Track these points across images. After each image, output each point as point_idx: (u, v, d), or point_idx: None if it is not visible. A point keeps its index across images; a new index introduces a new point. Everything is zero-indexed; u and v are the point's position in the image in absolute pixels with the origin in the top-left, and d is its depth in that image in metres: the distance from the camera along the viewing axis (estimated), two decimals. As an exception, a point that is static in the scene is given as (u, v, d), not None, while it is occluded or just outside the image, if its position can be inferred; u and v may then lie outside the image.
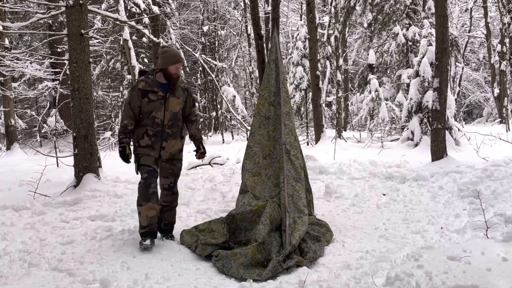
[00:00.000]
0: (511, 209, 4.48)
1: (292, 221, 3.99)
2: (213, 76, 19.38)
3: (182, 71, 20.55)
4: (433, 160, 7.34)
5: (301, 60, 16.50)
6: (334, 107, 18.27)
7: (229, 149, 11.55)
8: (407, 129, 11.81)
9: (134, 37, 17.02)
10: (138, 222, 4.21)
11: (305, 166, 4.94)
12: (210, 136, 20.49)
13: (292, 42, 19.74)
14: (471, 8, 24.20)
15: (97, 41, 15.77)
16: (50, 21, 16.38)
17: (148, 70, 4.39)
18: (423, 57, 11.45)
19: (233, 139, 19.13)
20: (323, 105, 15.12)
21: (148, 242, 4.03)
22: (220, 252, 3.75)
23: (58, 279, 3.40)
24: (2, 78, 13.92)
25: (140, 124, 4.25)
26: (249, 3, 10.57)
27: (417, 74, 11.61)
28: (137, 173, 4.29)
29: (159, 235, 4.42)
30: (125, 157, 4.20)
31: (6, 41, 13.08)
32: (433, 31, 9.92)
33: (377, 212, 5.08)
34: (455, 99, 18.23)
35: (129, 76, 17.49)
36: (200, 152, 4.53)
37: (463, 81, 26.07)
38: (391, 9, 15.73)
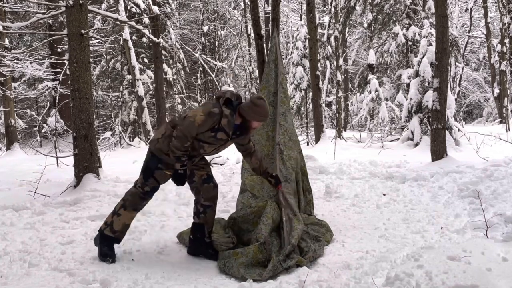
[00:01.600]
0: (511, 209, 4.48)
1: (288, 218, 3.99)
2: (213, 76, 19.39)
3: (182, 72, 20.58)
4: (433, 160, 7.34)
5: (301, 60, 16.49)
6: (334, 107, 18.27)
7: (229, 149, 11.53)
8: (407, 129, 11.81)
9: (134, 37, 17.02)
10: (108, 219, 3.80)
11: (305, 166, 4.94)
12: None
13: (292, 42, 19.73)
14: (471, 8, 24.19)
15: (97, 41, 15.77)
16: (50, 21, 16.39)
17: (237, 96, 3.75)
18: (423, 57, 11.45)
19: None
20: (323, 105, 15.12)
21: (112, 255, 3.73)
22: (224, 252, 3.75)
23: (58, 279, 3.40)
24: (2, 78, 13.91)
25: None
26: (249, 3, 10.57)
27: (417, 74, 11.61)
28: (141, 174, 3.78)
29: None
30: (183, 181, 3.71)
31: (6, 41, 13.07)
32: (433, 31, 9.92)
33: (377, 212, 5.08)
34: (455, 99, 18.23)
35: (129, 76, 17.49)
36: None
37: (463, 81, 26.07)
38: (391, 9, 15.74)
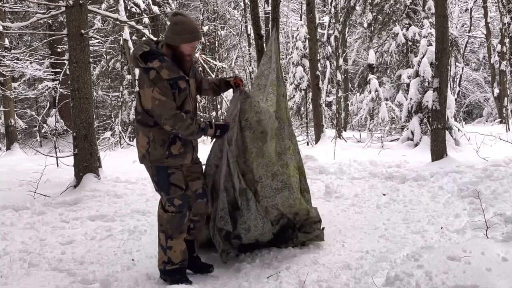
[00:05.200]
0: (511, 209, 4.48)
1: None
2: (213, 76, 19.39)
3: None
4: (433, 160, 7.34)
5: (301, 60, 16.50)
6: (334, 107, 18.26)
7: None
8: (407, 129, 11.80)
9: (134, 37, 17.01)
10: (163, 257, 3.33)
11: (303, 166, 4.76)
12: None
13: (292, 42, 19.72)
14: (471, 8, 24.19)
15: (97, 41, 15.76)
16: (50, 21, 16.38)
17: (147, 42, 3.28)
18: (423, 57, 11.44)
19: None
20: (323, 105, 15.12)
21: (186, 279, 3.34)
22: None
23: (58, 279, 3.41)
24: (2, 78, 13.92)
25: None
26: (249, 3, 10.57)
27: (417, 74, 11.60)
28: (161, 193, 3.31)
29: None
30: (227, 128, 3.34)
31: (6, 41, 13.07)
32: (433, 31, 9.91)
33: (377, 212, 5.08)
34: (455, 99, 18.24)
35: (129, 76, 17.49)
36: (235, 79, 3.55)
37: (463, 81, 26.07)
38: (391, 9, 15.73)
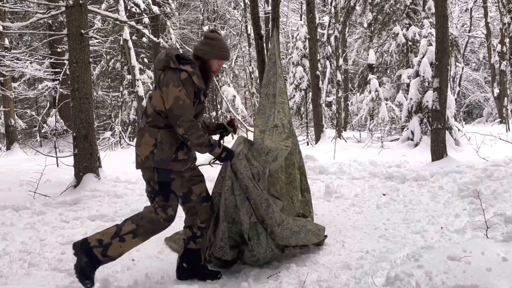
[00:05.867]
0: (511, 209, 4.48)
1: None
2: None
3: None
4: (433, 160, 7.34)
5: (301, 60, 16.50)
6: (334, 107, 18.27)
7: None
8: (407, 129, 11.80)
9: (134, 37, 17.04)
10: (105, 238, 3.10)
11: (303, 166, 4.81)
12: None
13: (292, 42, 19.73)
14: (471, 8, 24.20)
15: (97, 41, 15.78)
16: (50, 21, 16.39)
17: (184, 55, 3.21)
18: (423, 57, 11.44)
19: (233, 139, 19.12)
20: (323, 105, 15.12)
21: (93, 278, 3.10)
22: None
23: (58, 279, 3.41)
24: (2, 78, 13.92)
25: (174, 130, 3.12)
26: (249, 3, 10.57)
27: (417, 74, 11.60)
28: (156, 198, 3.17)
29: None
30: (231, 155, 3.31)
31: (6, 41, 13.08)
32: (433, 31, 9.91)
33: (377, 212, 5.08)
34: (455, 99, 18.23)
35: (129, 76, 17.50)
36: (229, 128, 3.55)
37: (463, 81, 26.07)
38: (391, 9, 15.74)
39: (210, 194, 3.50)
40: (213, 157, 3.29)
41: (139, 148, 3.18)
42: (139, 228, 3.13)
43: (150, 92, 3.19)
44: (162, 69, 3.17)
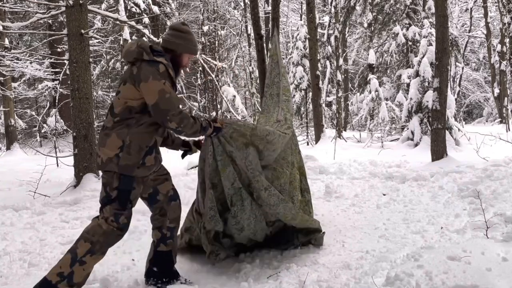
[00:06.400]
0: (511, 209, 4.48)
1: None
2: (213, 76, 19.38)
3: (182, 72, 20.51)
4: (433, 160, 7.34)
5: (301, 60, 16.50)
6: (334, 107, 18.27)
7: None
8: (407, 129, 11.80)
9: (134, 37, 17.02)
10: (64, 268, 2.88)
11: (303, 166, 4.80)
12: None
13: (292, 42, 19.73)
14: (471, 8, 24.19)
15: (97, 41, 15.77)
16: (50, 21, 16.38)
17: (156, 47, 3.03)
18: (423, 57, 11.45)
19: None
20: (323, 105, 15.12)
21: None
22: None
23: (58, 279, 3.40)
24: (2, 78, 13.93)
25: (145, 130, 2.94)
26: (249, 3, 10.57)
27: (417, 74, 11.61)
28: (111, 204, 2.95)
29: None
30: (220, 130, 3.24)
31: (6, 41, 13.08)
32: (433, 31, 9.92)
33: (377, 212, 5.08)
34: (455, 99, 18.21)
35: (129, 76, 17.47)
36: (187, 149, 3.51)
37: (463, 81, 26.07)
38: (391, 9, 15.74)
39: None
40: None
41: (103, 148, 2.94)
42: (94, 245, 2.92)
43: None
44: (132, 62, 2.96)
